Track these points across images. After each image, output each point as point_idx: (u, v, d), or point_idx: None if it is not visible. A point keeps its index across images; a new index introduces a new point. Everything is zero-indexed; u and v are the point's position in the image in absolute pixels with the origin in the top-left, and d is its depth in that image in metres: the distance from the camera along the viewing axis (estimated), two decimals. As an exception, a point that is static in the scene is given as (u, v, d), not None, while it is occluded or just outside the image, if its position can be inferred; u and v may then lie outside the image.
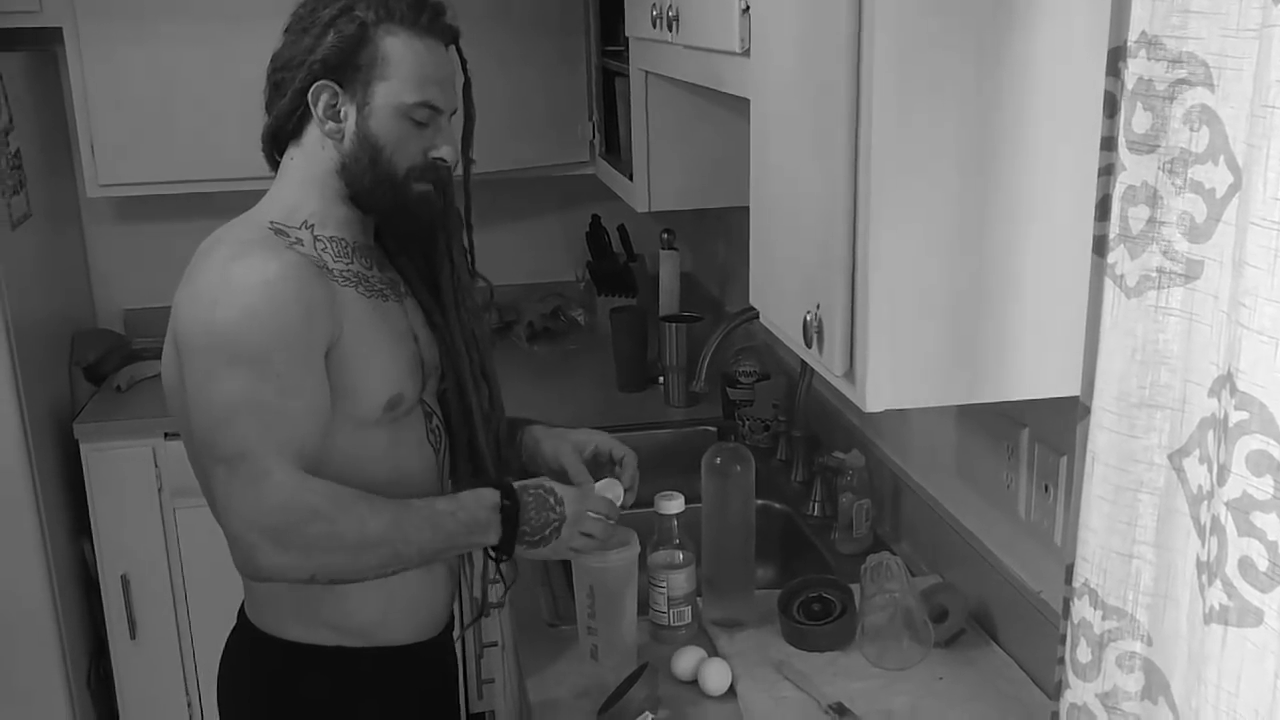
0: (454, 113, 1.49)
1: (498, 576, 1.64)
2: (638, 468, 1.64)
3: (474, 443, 1.58)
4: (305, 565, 1.33)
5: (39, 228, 2.83)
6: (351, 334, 1.40)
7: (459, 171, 1.53)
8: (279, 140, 1.48)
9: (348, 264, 1.45)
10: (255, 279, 1.33)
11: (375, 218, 1.50)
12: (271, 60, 1.45)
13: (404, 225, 1.50)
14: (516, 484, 1.46)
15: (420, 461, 1.52)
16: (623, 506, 1.56)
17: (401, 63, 1.41)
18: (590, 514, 1.48)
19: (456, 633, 1.69)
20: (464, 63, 1.51)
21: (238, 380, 1.31)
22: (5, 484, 2.61)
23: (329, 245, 1.44)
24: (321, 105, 1.41)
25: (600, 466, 1.64)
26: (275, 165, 1.50)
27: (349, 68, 1.40)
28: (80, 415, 2.83)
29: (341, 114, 1.42)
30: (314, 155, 1.45)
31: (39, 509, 2.65)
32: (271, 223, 1.42)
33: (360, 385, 1.41)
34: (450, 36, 1.47)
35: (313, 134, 1.44)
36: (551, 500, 1.45)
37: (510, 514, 1.42)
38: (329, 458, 1.38)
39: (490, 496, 1.43)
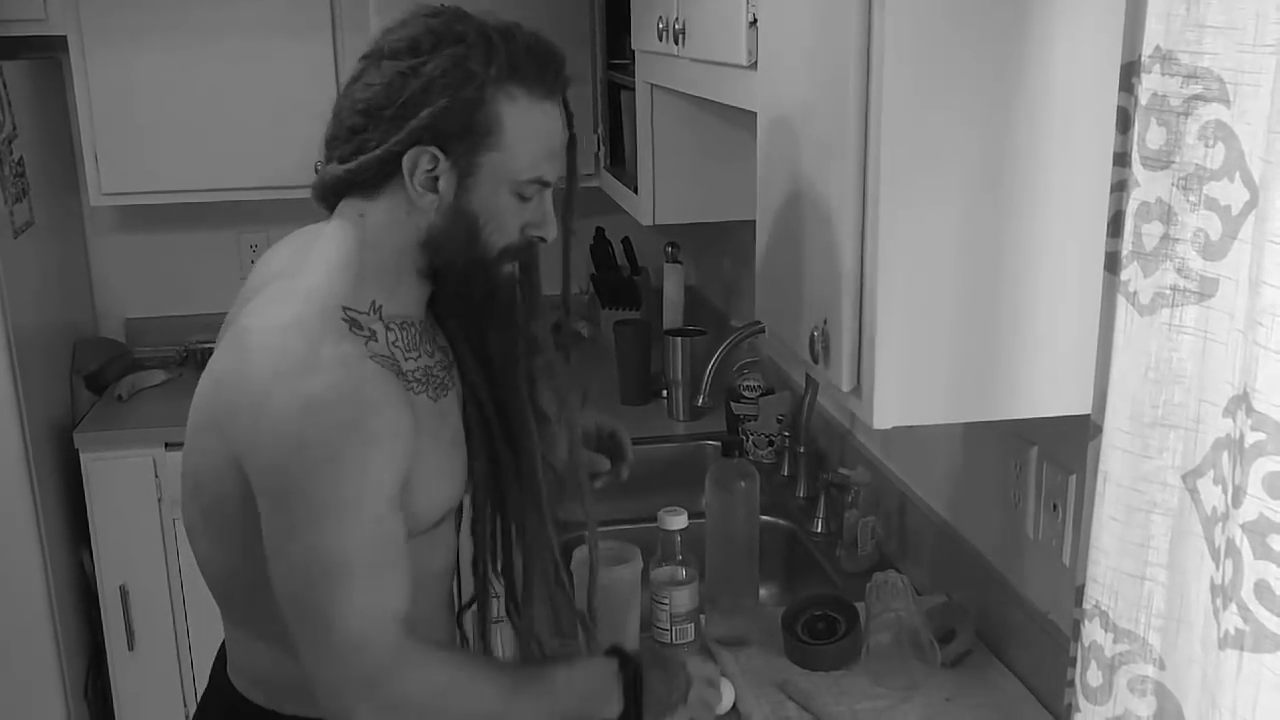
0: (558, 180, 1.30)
1: (500, 617, 1.54)
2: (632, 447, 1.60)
3: (527, 542, 1.41)
4: None
5: (41, 236, 2.82)
6: (422, 452, 1.23)
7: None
8: (340, 189, 1.27)
9: (417, 359, 1.28)
10: (342, 412, 1.15)
11: (448, 297, 1.30)
12: (347, 95, 1.23)
13: (483, 310, 1.31)
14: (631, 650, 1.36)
15: (444, 560, 1.40)
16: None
17: (518, 133, 1.20)
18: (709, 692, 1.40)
19: None
20: (570, 118, 1.28)
21: (329, 534, 1.16)
22: (4, 492, 2.59)
23: (400, 336, 1.26)
24: (419, 174, 1.20)
25: (599, 446, 1.60)
26: (329, 205, 1.30)
27: (456, 133, 1.19)
28: (81, 424, 2.82)
29: (439, 184, 1.21)
30: (395, 224, 1.24)
31: (38, 518, 2.64)
32: (344, 310, 1.22)
33: (419, 507, 1.25)
34: (564, 90, 1.27)
35: (395, 198, 1.23)
36: (674, 667, 1.37)
37: (629, 686, 1.31)
38: None
39: (608, 664, 1.33)
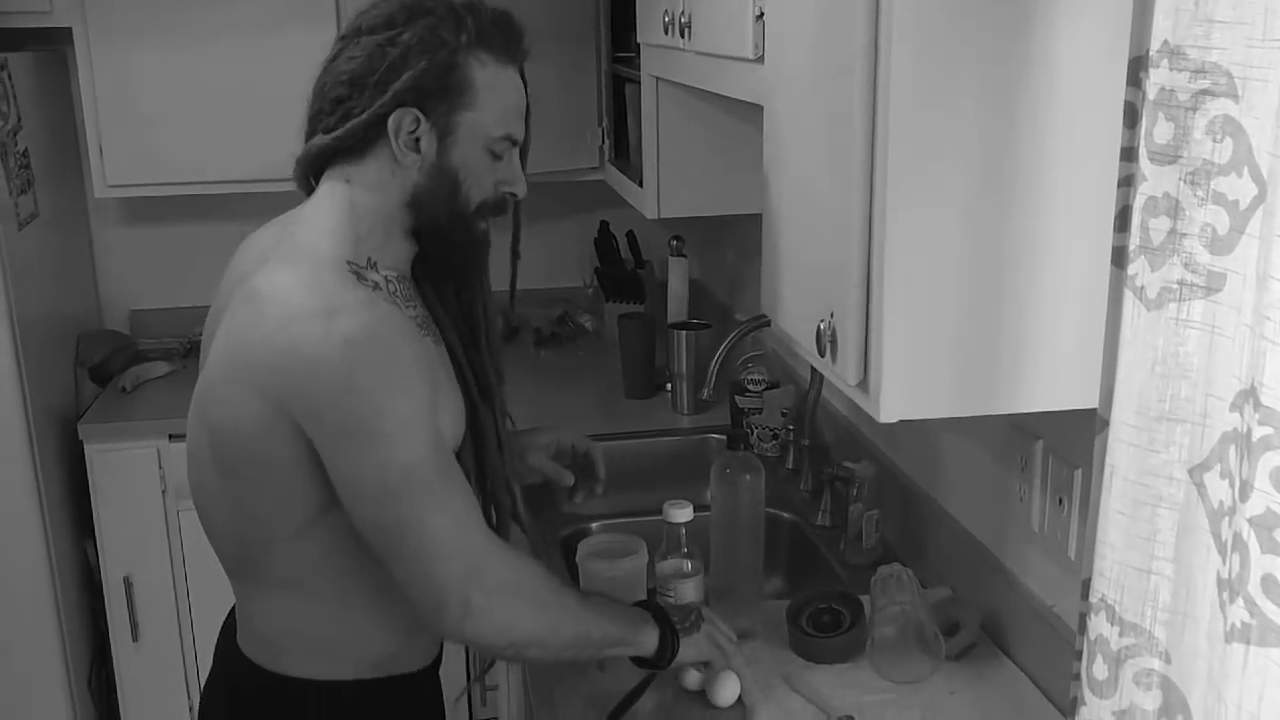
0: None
1: None
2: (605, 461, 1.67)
3: (493, 486, 1.51)
4: (518, 625, 1.33)
5: (46, 228, 2.82)
6: (437, 387, 1.33)
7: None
8: (324, 160, 1.37)
9: (414, 308, 1.38)
10: (378, 343, 1.25)
11: (434, 252, 1.40)
12: (328, 72, 1.34)
13: (461, 262, 1.41)
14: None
15: None
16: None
17: (489, 93, 1.33)
18: (720, 636, 1.52)
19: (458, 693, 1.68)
20: (525, 86, 1.42)
21: (400, 453, 1.25)
22: (9, 484, 2.60)
23: (397, 287, 1.36)
24: (402, 134, 1.31)
25: (575, 461, 1.66)
26: (307, 185, 1.40)
27: (435, 95, 1.31)
28: (85, 416, 2.82)
29: (421, 144, 1.32)
30: (383, 184, 1.34)
31: (42, 509, 2.64)
32: (349, 263, 1.31)
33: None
34: (523, 60, 1.40)
35: (381, 160, 1.33)
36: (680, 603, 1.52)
37: (657, 613, 1.45)
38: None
39: (627, 605, 1.46)
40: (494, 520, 1.51)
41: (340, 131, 1.32)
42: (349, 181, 1.35)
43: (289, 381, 1.25)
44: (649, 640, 1.42)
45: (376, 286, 1.32)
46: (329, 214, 1.35)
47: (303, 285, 1.27)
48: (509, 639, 1.33)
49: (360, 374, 1.23)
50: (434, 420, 1.29)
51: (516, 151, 1.40)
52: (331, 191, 1.36)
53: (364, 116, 1.30)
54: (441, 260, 1.41)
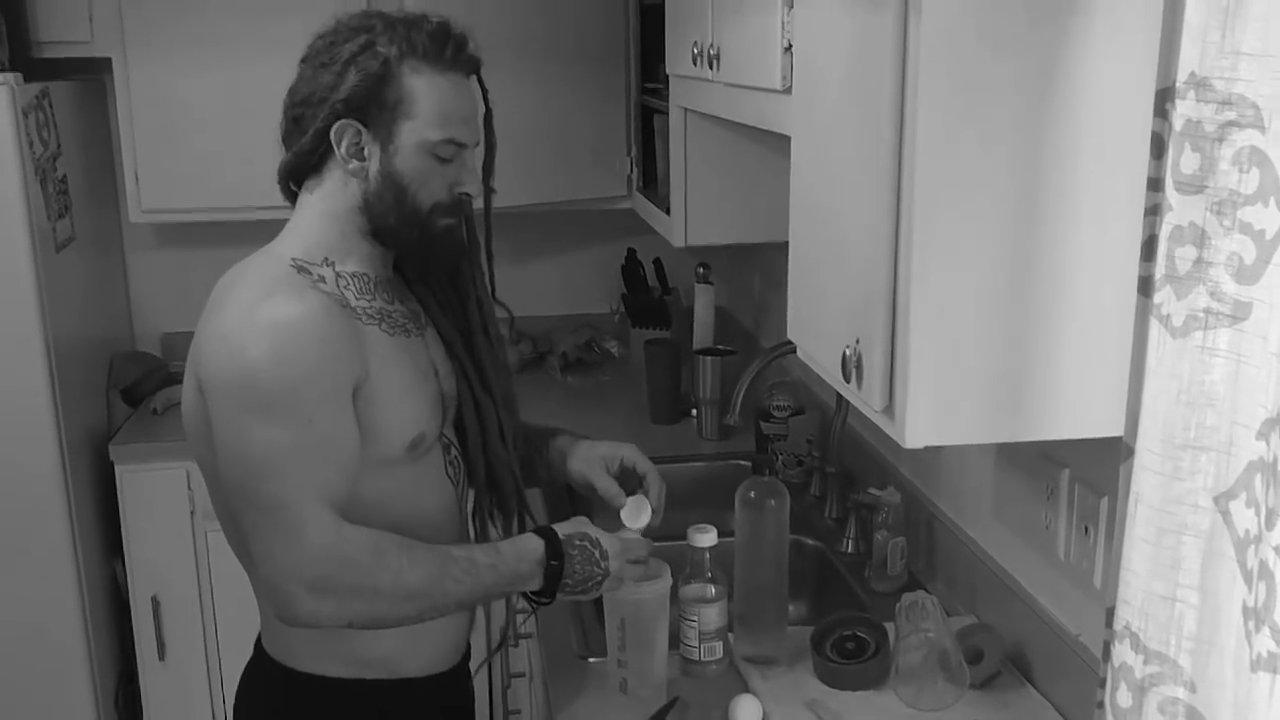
0: (477, 144, 1.48)
1: (522, 605, 1.64)
2: (664, 492, 1.64)
3: (496, 474, 1.57)
4: (342, 614, 1.34)
5: (82, 251, 2.87)
6: (378, 374, 1.39)
7: (480, 203, 1.53)
8: (297, 175, 1.46)
9: (370, 301, 1.44)
10: (282, 321, 1.32)
11: (397, 253, 1.48)
12: (289, 94, 1.43)
13: (428, 260, 1.49)
14: (561, 534, 1.45)
15: (439, 496, 1.51)
16: (650, 527, 1.59)
17: (426, 100, 1.39)
18: (629, 563, 1.50)
19: (475, 665, 1.68)
20: (485, 93, 1.49)
21: (270, 429, 1.30)
22: (40, 502, 2.63)
23: (351, 282, 1.43)
24: (345, 144, 1.39)
25: (628, 479, 1.65)
26: (292, 198, 1.49)
27: (372, 106, 1.38)
28: (116, 436, 2.86)
29: (365, 153, 1.40)
30: (335, 192, 1.43)
31: (73, 528, 2.67)
32: (293, 260, 1.41)
33: (385, 426, 1.40)
34: (472, 68, 1.46)
35: (334, 171, 1.42)
36: (596, 554, 1.46)
37: (555, 571, 1.43)
38: (352, 498, 1.37)
39: (534, 550, 1.44)
40: (493, 513, 1.58)
41: (296, 148, 1.43)
42: (311, 192, 1.45)
43: (200, 352, 1.36)
44: (530, 588, 1.45)
45: (321, 280, 1.40)
46: (293, 221, 1.47)
47: (248, 279, 1.39)
48: (346, 622, 1.35)
49: (256, 345, 1.31)
50: (323, 401, 1.33)
51: (470, 152, 1.46)
52: (299, 202, 1.47)
53: (309, 133, 1.40)
54: (407, 260, 1.50)
